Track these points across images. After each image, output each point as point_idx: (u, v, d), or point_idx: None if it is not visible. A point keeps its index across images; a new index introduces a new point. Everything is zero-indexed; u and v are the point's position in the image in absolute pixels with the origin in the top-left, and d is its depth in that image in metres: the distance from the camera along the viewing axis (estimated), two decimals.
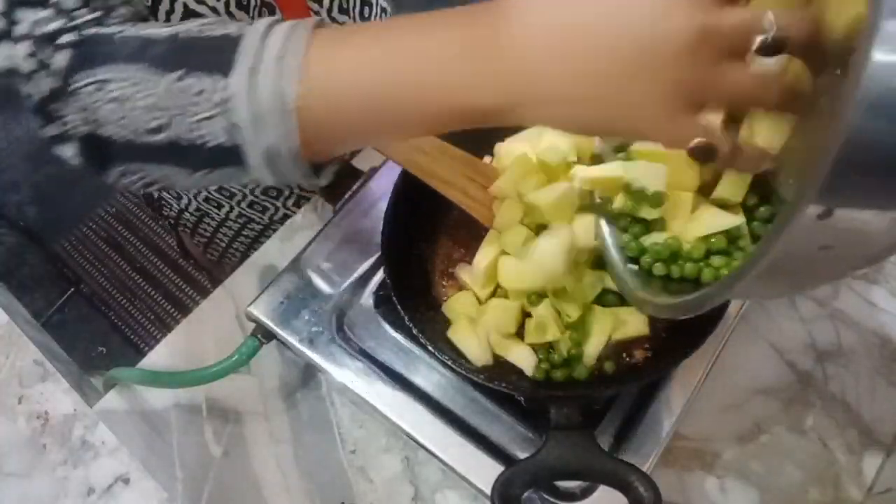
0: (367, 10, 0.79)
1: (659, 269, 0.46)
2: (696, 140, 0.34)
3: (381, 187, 0.70)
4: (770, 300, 0.58)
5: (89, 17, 0.44)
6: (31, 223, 1.94)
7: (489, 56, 0.36)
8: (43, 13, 0.44)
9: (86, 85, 0.41)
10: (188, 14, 0.61)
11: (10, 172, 2.03)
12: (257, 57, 0.38)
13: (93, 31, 0.44)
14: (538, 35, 0.35)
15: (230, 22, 0.42)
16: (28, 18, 0.44)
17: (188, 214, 0.88)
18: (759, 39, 0.32)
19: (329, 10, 0.73)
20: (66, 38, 0.43)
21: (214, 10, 0.62)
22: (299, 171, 0.41)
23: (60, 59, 0.42)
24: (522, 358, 0.55)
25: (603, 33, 0.34)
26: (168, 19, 0.60)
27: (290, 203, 0.85)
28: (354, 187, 0.71)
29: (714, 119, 0.35)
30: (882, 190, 0.28)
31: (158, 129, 0.40)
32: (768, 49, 0.32)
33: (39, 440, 0.63)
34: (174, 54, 0.40)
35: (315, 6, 0.72)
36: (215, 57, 0.39)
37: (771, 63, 0.34)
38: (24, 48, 0.43)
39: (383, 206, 0.62)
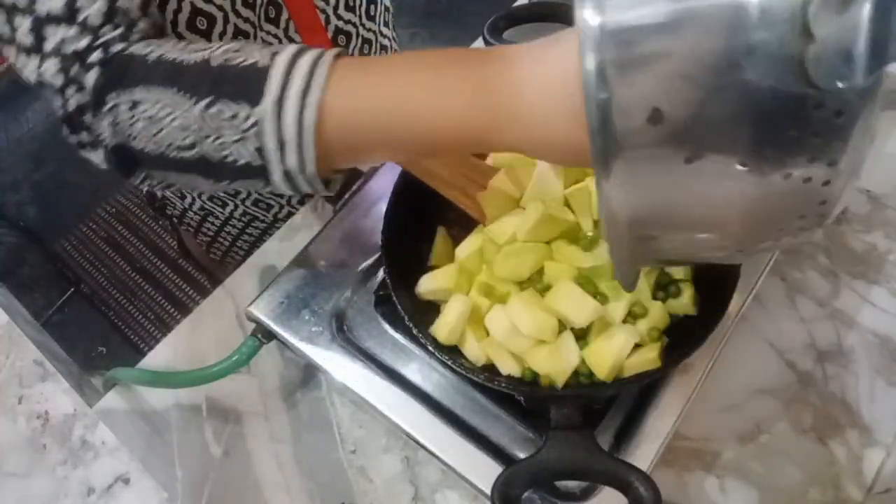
0: (372, 7, 0.80)
1: None
2: None
3: (381, 187, 0.70)
4: (726, 254, 0.48)
5: (114, 34, 0.47)
6: (31, 223, 1.94)
7: (491, 94, 0.40)
8: (69, 31, 0.46)
9: (119, 104, 0.45)
10: (195, 13, 0.62)
11: (10, 172, 2.03)
12: (283, 89, 0.42)
13: (119, 47, 0.46)
14: (533, 78, 0.39)
15: (254, 49, 0.44)
16: (55, 35, 0.46)
17: (192, 213, 0.88)
18: None
19: (335, 8, 0.74)
20: (94, 57, 0.46)
21: (221, 8, 0.62)
22: (313, 185, 0.45)
23: (90, 77, 0.45)
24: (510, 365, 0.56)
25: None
26: (175, 19, 0.61)
27: (294, 200, 0.85)
28: (354, 187, 0.71)
29: None
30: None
31: (190, 147, 0.44)
32: None
33: (39, 440, 0.63)
34: (206, 81, 0.43)
35: (321, 4, 0.72)
36: (245, 86, 0.42)
37: None
38: (53, 64, 0.46)
39: (383, 206, 0.62)
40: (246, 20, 0.66)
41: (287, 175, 0.44)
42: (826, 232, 0.74)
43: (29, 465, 0.63)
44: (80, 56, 0.46)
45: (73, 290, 1.85)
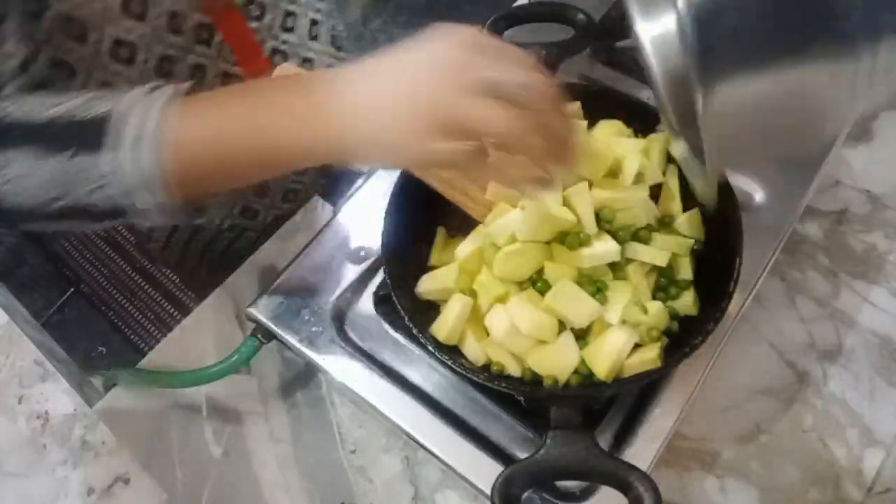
0: (315, 29, 0.79)
1: None
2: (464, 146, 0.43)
3: (381, 187, 0.70)
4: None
5: None
6: None
7: (318, 117, 0.46)
8: None
9: None
10: (117, 44, 0.63)
11: None
12: (120, 136, 0.45)
13: None
14: (353, 101, 0.45)
15: (100, 99, 0.48)
16: None
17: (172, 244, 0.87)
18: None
19: (271, 28, 0.73)
20: None
21: (143, 37, 0.63)
22: (178, 216, 0.48)
23: None
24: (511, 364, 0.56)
25: (391, 97, 0.44)
26: (98, 48, 0.62)
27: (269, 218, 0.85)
28: (354, 187, 0.71)
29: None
30: None
31: (56, 199, 0.47)
32: None
33: (39, 440, 0.63)
34: (56, 138, 0.47)
35: (256, 24, 0.72)
36: (89, 138, 0.46)
37: None
38: None
39: (383, 206, 0.62)
40: (172, 45, 0.66)
41: (147, 211, 0.47)
42: (826, 232, 0.74)
43: (29, 465, 0.63)
44: None
45: (73, 290, 1.85)
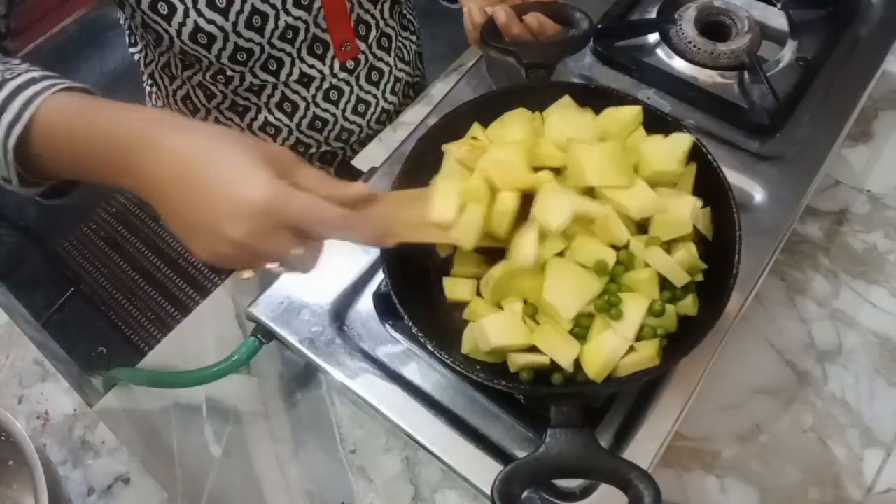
0: (392, 7, 0.85)
1: None
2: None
3: (381, 187, 0.70)
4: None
5: None
6: (31, 223, 1.94)
7: (131, 164, 0.46)
8: None
9: None
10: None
11: None
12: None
13: None
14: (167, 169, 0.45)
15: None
16: None
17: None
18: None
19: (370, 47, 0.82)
20: None
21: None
22: (22, 192, 0.53)
23: None
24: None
25: (200, 178, 0.44)
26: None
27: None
28: None
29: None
30: None
31: None
32: None
33: (39, 440, 0.63)
34: None
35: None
36: None
37: None
38: None
39: None
40: (265, 1, 0.71)
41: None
42: (826, 232, 0.74)
43: None
44: None
45: (73, 290, 1.85)
